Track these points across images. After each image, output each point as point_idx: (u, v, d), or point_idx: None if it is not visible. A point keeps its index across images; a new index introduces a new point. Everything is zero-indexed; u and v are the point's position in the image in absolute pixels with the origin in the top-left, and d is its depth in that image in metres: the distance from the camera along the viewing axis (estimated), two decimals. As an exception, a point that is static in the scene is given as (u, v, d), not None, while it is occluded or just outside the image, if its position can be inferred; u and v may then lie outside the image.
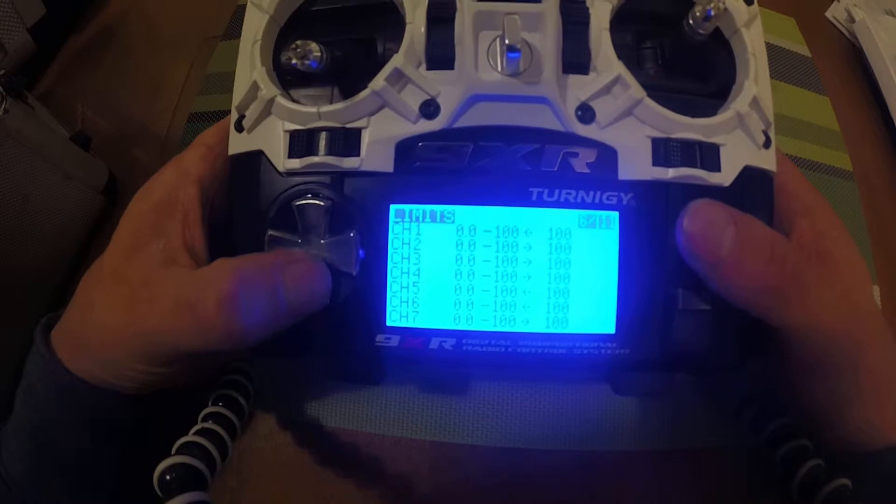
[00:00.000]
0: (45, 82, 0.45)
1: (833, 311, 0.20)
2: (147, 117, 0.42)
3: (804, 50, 0.44)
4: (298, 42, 0.20)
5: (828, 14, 0.47)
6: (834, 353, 0.20)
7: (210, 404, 0.23)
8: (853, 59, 0.45)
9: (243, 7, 0.23)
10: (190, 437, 0.21)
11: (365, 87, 0.20)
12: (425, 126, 0.20)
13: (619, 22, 0.21)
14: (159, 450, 0.20)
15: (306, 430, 0.29)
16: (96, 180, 0.39)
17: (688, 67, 0.22)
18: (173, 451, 0.20)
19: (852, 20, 0.45)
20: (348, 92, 0.21)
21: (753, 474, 0.27)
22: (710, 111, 0.21)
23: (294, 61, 0.19)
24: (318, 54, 0.20)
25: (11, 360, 0.33)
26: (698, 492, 0.28)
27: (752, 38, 0.22)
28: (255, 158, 0.21)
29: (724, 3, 0.20)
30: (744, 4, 0.22)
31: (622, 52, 0.21)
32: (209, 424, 0.22)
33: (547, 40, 0.20)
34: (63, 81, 0.45)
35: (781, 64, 0.42)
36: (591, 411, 0.29)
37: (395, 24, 0.21)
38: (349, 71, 0.22)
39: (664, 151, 0.20)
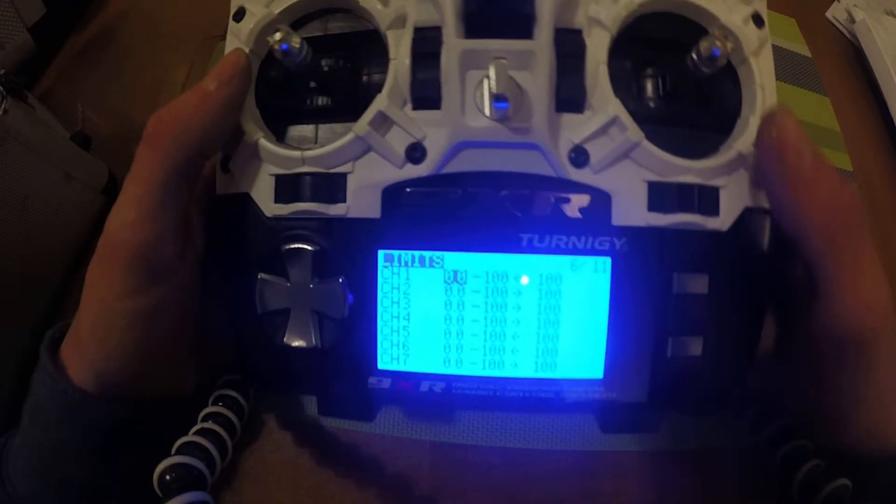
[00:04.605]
0: (45, 82, 0.45)
1: (869, 300, 0.19)
2: (147, 117, 0.42)
3: (804, 50, 0.44)
4: (281, 28, 0.19)
5: (828, 14, 0.47)
6: (857, 341, 0.20)
7: (210, 404, 0.23)
8: (853, 59, 0.45)
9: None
10: (190, 437, 0.21)
11: (347, 122, 0.20)
12: (412, 171, 0.19)
13: (618, 47, 0.20)
14: (159, 450, 0.20)
15: (306, 430, 0.29)
16: (96, 180, 0.39)
17: (691, 98, 0.21)
18: (173, 451, 0.20)
19: (852, 20, 0.45)
20: (331, 131, 0.21)
21: (753, 474, 0.27)
22: (713, 145, 0.20)
23: (273, 45, 0.19)
24: (298, 45, 0.19)
25: (11, 359, 0.33)
26: (698, 492, 0.28)
27: (761, 66, 0.20)
28: (242, 201, 0.21)
29: (731, 44, 0.18)
30: (754, 28, 0.20)
31: (620, 82, 0.20)
32: (209, 424, 0.22)
33: (538, 81, 0.18)
34: (63, 81, 0.45)
35: (781, 64, 0.42)
36: (591, 411, 0.29)
37: (379, 52, 0.20)
38: (333, 96, 0.21)
39: (660, 196, 0.19)
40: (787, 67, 0.42)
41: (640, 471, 0.29)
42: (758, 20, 0.21)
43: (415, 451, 0.29)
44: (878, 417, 0.21)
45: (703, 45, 0.19)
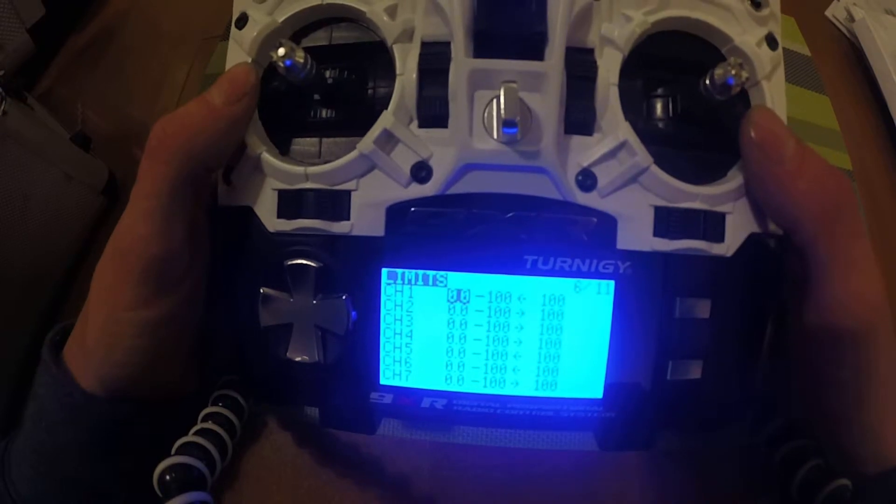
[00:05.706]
0: (45, 82, 0.45)
1: (862, 291, 0.19)
2: (147, 117, 0.42)
3: (804, 49, 0.44)
4: (285, 43, 0.19)
5: (828, 13, 0.47)
6: (851, 335, 0.19)
7: (210, 404, 0.23)
8: (853, 59, 0.45)
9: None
10: (190, 438, 0.21)
11: (352, 136, 0.19)
12: (417, 190, 0.19)
13: (629, 67, 0.20)
14: (159, 450, 0.20)
15: (306, 430, 0.29)
16: (96, 180, 0.39)
17: (701, 121, 0.20)
18: (173, 451, 0.20)
19: (852, 19, 0.45)
20: (335, 145, 0.20)
21: (752, 474, 0.27)
22: (721, 169, 0.20)
23: (275, 60, 0.19)
24: (302, 61, 0.19)
25: (11, 359, 0.33)
26: (698, 492, 0.28)
27: (773, 91, 0.20)
28: (245, 214, 0.20)
29: (746, 73, 0.18)
30: (768, 51, 0.20)
31: (630, 103, 0.19)
32: (209, 424, 0.22)
33: (548, 103, 0.18)
34: (63, 81, 0.45)
35: (781, 63, 0.42)
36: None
37: (385, 65, 0.20)
38: (337, 109, 0.21)
39: (667, 222, 0.19)
40: (787, 67, 0.42)
41: (640, 471, 0.29)
42: (772, 42, 0.20)
43: (415, 451, 0.29)
44: (876, 418, 0.21)
45: (718, 73, 0.18)
